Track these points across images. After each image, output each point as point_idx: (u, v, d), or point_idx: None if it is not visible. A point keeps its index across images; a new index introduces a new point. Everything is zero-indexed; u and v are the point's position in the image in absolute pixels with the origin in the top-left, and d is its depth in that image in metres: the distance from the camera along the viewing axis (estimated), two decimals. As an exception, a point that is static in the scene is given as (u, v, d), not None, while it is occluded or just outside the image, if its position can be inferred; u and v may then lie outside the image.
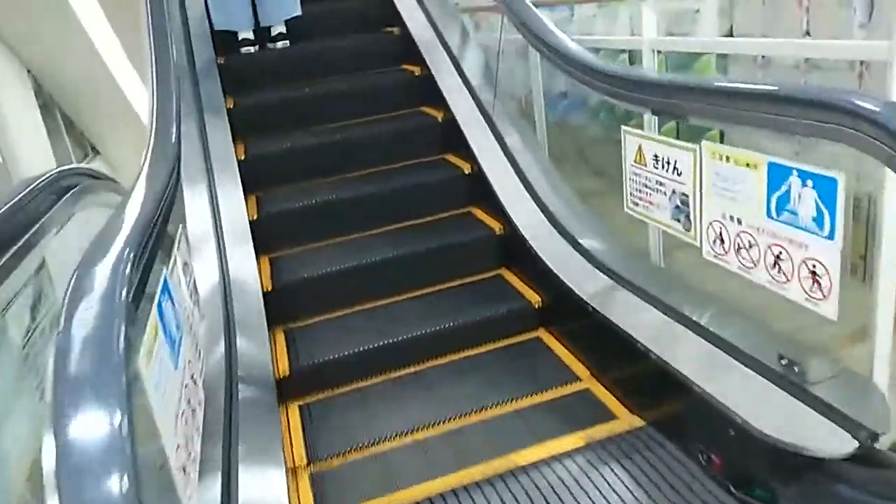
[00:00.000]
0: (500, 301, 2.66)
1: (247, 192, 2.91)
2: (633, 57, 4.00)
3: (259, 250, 2.68)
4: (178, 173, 1.95)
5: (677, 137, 4.14)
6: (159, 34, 2.56)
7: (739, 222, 1.68)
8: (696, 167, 1.79)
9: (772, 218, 1.58)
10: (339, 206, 2.98)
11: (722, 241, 1.74)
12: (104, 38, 6.35)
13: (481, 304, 2.65)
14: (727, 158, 1.68)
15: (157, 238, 1.30)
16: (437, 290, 2.76)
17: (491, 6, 5.33)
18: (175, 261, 1.46)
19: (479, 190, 2.99)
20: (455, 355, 2.53)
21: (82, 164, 7.74)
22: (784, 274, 1.57)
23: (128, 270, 0.96)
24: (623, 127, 2.11)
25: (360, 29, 3.96)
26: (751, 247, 1.65)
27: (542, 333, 2.60)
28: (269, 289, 2.59)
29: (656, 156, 1.97)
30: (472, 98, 3.25)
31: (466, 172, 3.09)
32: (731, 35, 3.45)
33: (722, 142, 3.45)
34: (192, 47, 3.53)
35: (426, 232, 2.93)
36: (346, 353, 2.44)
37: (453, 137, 3.19)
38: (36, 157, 7.08)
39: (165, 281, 1.29)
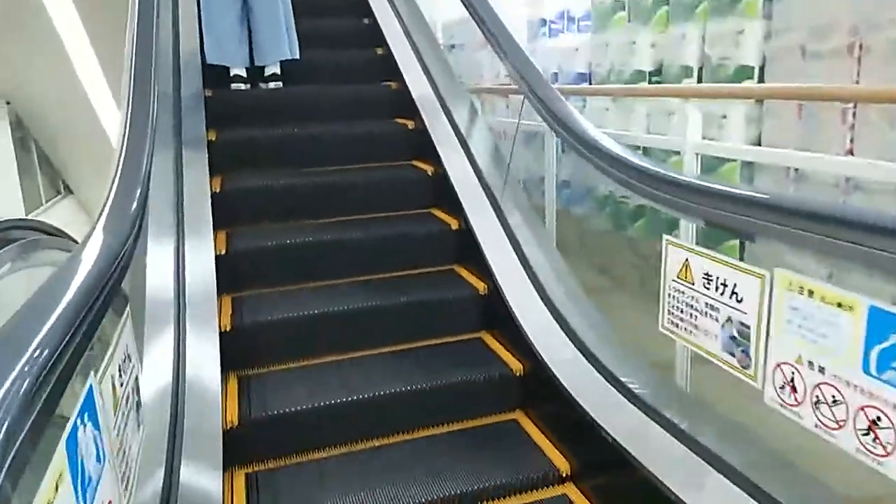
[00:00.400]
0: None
1: (217, 227, 2.66)
2: (646, 153, 3.87)
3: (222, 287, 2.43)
4: (138, 234, 1.60)
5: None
6: (141, 69, 2.26)
7: (821, 371, 1.36)
8: (765, 297, 1.49)
9: (870, 374, 1.27)
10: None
11: (794, 389, 1.43)
12: (90, 73, 6.09)
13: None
14: (810, 293, 1.38)
15: (82, 342, 0.95)
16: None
17: (501, 88, 5.26)
18: (110, 361, 1.11)
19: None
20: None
21: (31, 216, 7.33)
22: (882, 445, 1.25)
23: (13, 412, 0.61)
24: (665, 237, 1.84)
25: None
26: (836, 403, 1.34)
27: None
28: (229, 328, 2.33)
29: (708, 275, 1.68)
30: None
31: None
32: (758, 144, 3.25)
33: (742, 254, 3.24)
34: (181, 79, 3.28)
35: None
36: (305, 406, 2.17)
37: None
38: (3, 192, 6.72)
39: (90, 396, 0.94)
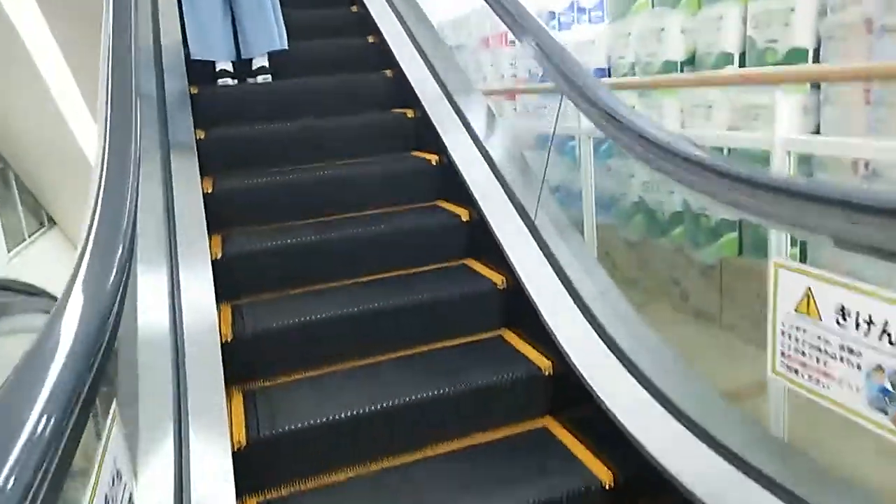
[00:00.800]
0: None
1: (211, 230, 2.43)
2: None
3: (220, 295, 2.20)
4: (127, 282, 1.27)
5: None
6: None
7: None
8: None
9: None
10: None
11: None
12: (69, 99, 5.72)
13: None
14: None
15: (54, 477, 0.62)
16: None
17: (535, 88, 4.92)
18: (94, 489, 0.75)
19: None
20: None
21: (12, 253, 6.94)
22: None
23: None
24: (774, 260, 1.49)
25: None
26: None
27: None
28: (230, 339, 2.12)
29: (844, 308, 1.33)
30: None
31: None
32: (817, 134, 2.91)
33: (804, 257, 2.90)
34: (164, 77, 3.03)
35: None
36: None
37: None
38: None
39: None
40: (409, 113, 3.19)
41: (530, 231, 2.50)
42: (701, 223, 3.42)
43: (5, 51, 5.20)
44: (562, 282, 2.31)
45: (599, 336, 2.12)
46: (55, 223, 7.96)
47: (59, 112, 5.91)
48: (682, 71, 3.61)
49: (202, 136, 2.83)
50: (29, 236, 7.66)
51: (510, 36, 5.10)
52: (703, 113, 3.42)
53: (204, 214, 2.40)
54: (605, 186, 3.98)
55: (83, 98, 5.92)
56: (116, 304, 1.16)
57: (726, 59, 3.32)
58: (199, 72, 3.26)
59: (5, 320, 2.69)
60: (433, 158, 2.94)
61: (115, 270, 1.23)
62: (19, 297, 3.20)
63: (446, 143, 2.88)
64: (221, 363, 1.94)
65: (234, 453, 1.74)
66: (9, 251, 6.96)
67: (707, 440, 1.73)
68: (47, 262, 7.48)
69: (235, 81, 3.42)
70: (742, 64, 3.27)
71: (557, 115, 2.52)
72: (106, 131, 1.81)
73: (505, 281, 2.42)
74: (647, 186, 3.79)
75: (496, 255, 2.46)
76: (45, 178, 7.14)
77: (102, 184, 1.59)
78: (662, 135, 1.76)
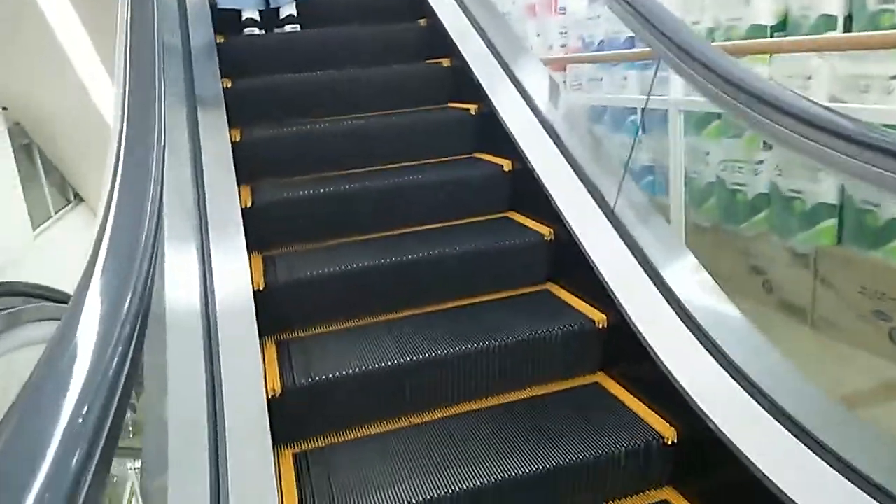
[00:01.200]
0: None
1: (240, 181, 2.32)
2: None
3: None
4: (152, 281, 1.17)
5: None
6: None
7: None
8: None
9: None
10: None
11: None
12: (90, 67, 5.62)
13: None
14: None
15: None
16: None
17: (569, 58, 4.67)
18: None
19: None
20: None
21: (38, 231, 6.86)
22: None
23: None
24: None
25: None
26: None
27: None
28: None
29: None
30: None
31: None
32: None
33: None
34: (189, 27, 2.94)
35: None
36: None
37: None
38: (6, 206, 6.27)
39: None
40: (445, 62, 3.05)
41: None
42: (794, 208, 3.08)
43: (27, 24, 5.12)
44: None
45: (659, 290, 1.97)
46: (82, 200, 7.91)
47: (83, 86, 5.84)
48: (771, 36, 3.20)
49: (229, 85, 2.71)
50: (55, 213, 7.62)
51: (560, 2, 4.90)
52: (798, 84, 3.01)
53: (232, 163, 2.29)
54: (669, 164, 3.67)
55: (107, 72, 5.84)
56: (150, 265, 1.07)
57: (827, 22, 2.91)
58: (225, 21, 3.15)
59: (15, 332, 2.55)
60: (472, 108, 2.80)
61: (144, 235, 1.13)
62: (31, 304, 3.07)
63: (487, 93, 2.73)
64: (254, 311, 1.83)
65: (268, 401, 1.63)
66: (34, 229, 6.93)
67: (776, 413, 1.59)
68: (74, 240, 7.44)
69: (262, 31, 3.32)
70: (847, 29, 2.88)
71: (652, 84, 2.33)
72: (126, 76, 1.69)
73: (552, 233, 2.29)
74: (728, 166, 3.45)
75: (542, 207, 2.32)
76: (70, 154, 7.08)
77: (125, 130, 1.47)
78: (822, 112, 1.48)
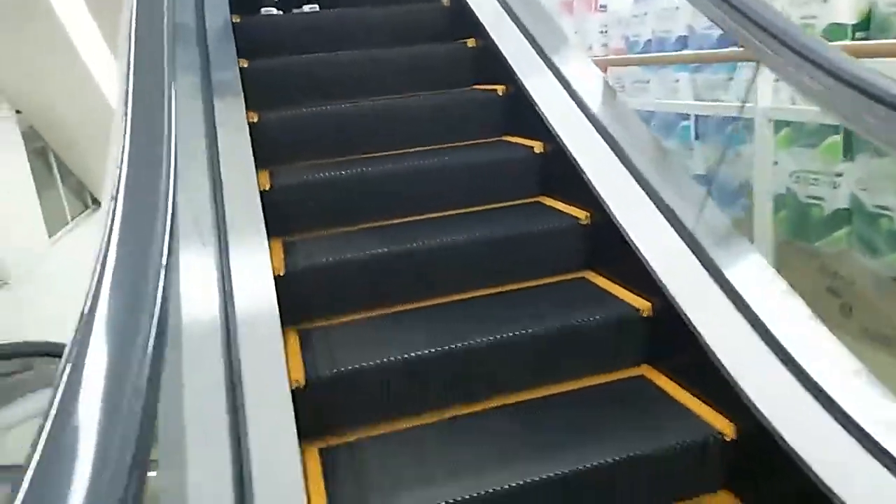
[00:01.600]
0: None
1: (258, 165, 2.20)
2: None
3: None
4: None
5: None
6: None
7: None
8: None
9: None
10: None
11: None
12: (103, 66, 5.55)
13: None
14: None
15: None
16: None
17: (627, 59, 4.32)
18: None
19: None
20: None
21: (54, 239, 6.72)
22: None
23: None
24: None
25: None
26: None
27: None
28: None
29: None
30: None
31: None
32: None
33: None
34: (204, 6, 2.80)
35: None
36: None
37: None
38: (20, 213, 6.18)
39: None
40: (470, 43, 2.92)
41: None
42: (880, 226, 2.82)
43: (36, 20, 5.06)
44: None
45: (708, 272, 1.82)
46: (100, 204, 7.86)
47: (97, 85, 5.77)
48: (853, 37, 2.90)
49: (245, 66, 2.60)
50: (72, 219, 7.56)
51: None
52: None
53: (250, 144, 2.17)
54: (731, 174, 3.45)
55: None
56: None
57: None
58: (242, 1, 3.05)
59: (15, 405, 2.27)
60: (499, 89, 2.67)
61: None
62: (35, 366, 2.85)
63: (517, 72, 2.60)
64: (276, 296, 1.70)
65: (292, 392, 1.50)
66: (50, 236, 6.85)
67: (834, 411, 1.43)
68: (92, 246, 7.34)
69: (281, 12, 3.23)
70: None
71: (749, 88, 2.14)
72: (131, 48, 1.56)
73: (589, 216, 2.15)
74: (801, 177, 3.16)
75: (577, 191, 2.18)
76: (86, 157, 7.02)
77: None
78: None
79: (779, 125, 3.05)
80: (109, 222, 1.01)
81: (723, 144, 2.35)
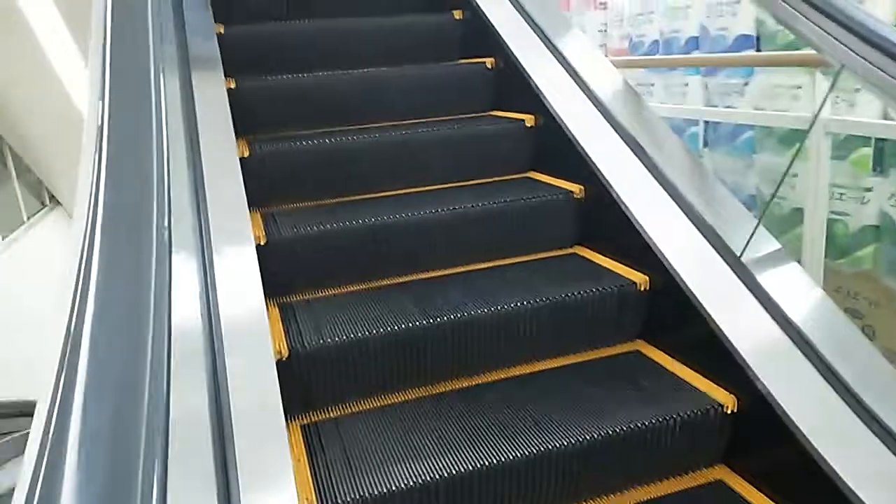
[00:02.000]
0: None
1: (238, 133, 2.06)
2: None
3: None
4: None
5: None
6: None
7: None
8: None
9: None
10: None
11: None
12: (66, 60, 5.34)
13: None
14: None
15: None
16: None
17: (639, 61, 3.92)
18: None
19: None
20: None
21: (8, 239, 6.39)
22: None
23: None
24: None
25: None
26: None
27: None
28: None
29: None
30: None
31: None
32: None
33: None
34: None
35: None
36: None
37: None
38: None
39: None
40: (458, 14, 2.83)
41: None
42: None
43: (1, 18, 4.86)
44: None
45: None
46: (59, 203, 7.57)
47: (60, 82, 5.57)
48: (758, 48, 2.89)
49: (221, 32, 2.48)
50: (28, 218, 7.26)
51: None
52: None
53: (229, 111, 2.05)
54: (746, 185, 3.25)
55: (86, 65, 5.57)
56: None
57: None
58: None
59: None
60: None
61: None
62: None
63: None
64: (258, 267, 1.59)
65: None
66: (2, 239, 6.55)
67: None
68: (49, 247, 7.03)
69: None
70: None
71: (826, 96, 2.11)
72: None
73: (583, 190, 2.08)
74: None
75: (570, 165, 2.12)
76: (45, 154, 6.76)
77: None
78: None
79: (799, 135, 2.88)
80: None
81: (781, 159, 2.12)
